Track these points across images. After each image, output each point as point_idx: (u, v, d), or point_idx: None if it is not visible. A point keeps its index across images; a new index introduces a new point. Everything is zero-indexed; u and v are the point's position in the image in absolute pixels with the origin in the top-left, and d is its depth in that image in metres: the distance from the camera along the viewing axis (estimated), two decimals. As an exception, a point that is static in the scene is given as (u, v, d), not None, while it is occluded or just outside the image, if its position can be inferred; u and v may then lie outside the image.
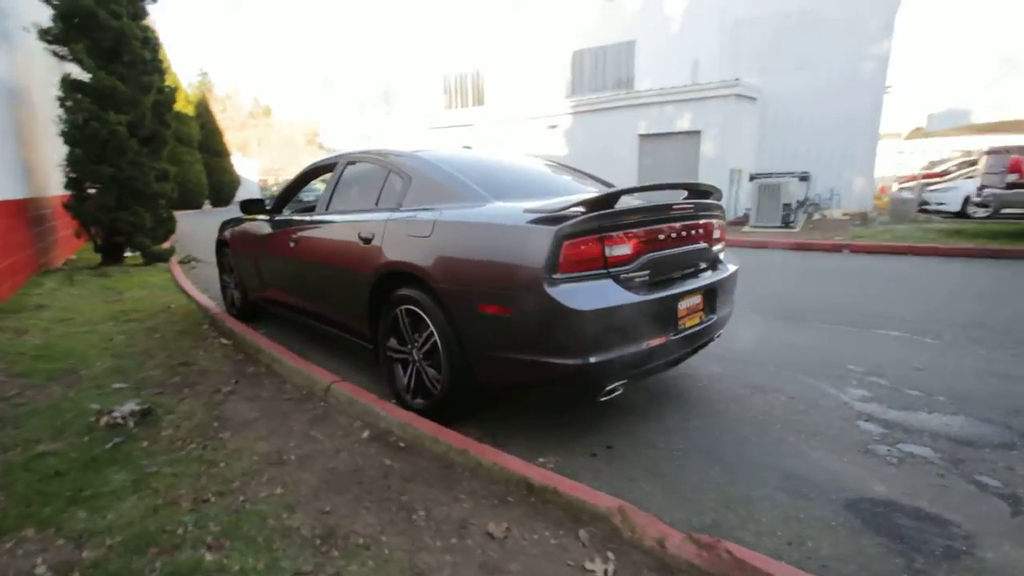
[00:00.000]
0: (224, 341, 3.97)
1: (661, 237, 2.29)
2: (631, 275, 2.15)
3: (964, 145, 17.09)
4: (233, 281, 4.59)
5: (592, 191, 2.66)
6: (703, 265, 2.62)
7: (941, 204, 12.50)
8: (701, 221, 2.55)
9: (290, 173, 33.25)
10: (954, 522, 1.78)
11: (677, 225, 2.39)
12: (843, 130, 13.96)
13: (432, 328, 2.39)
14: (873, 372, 3.16)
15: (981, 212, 10.31)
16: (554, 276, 1.98)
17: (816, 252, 8.53)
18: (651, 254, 2.24)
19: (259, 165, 36.55)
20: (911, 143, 18.77)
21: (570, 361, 2.01)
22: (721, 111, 12.74)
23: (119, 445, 2.29)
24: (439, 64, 21.32)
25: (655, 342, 2.19)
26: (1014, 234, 8.58)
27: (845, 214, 13.03)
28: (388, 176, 2.90)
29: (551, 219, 2.03)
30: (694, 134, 12.98)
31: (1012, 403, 2.70)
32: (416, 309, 2.47)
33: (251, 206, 3.99)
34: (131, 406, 2.61)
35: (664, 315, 2.23)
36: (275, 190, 24.13)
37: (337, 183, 3.31)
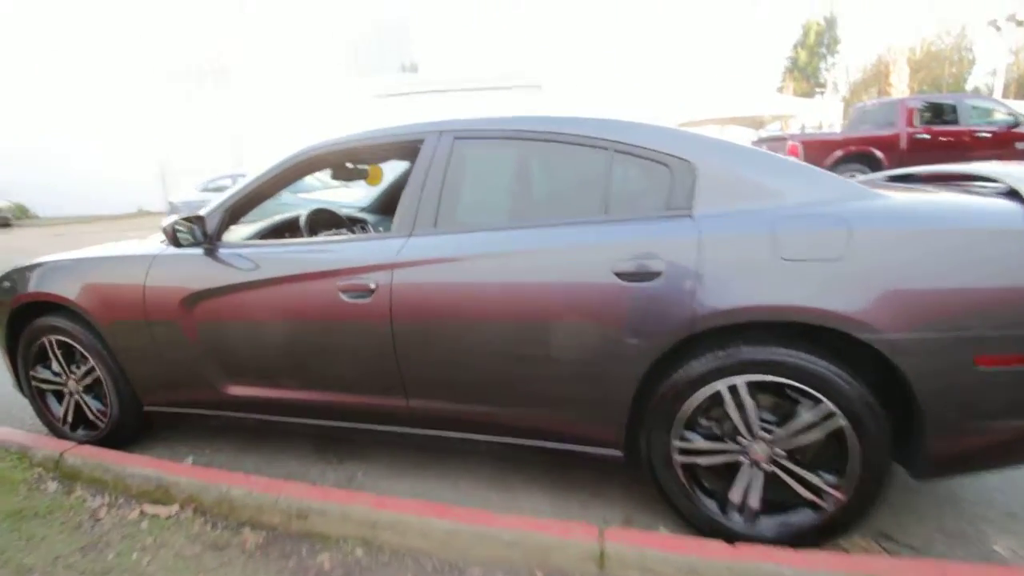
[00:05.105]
0: (170, 510, 1.92)
1: None
2: None
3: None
4: (76, 381, 2.36)
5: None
6: None
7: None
8: None
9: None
10: None
11: None
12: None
13: (834, 409, 1.46)
14: None
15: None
16: None
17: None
18: None
19: None
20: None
21: None
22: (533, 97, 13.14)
23: None
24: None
25: None
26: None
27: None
28: (612, 164, 1.69)
29: None
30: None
31: None
32: (797, 384, 1.48)
33: (188, 228, 1.98)
34: None
35: None
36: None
37: (443, 179, 1.84)
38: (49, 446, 2.34)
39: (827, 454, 1.55)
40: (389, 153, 2.17)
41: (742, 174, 1.60)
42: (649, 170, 1.66)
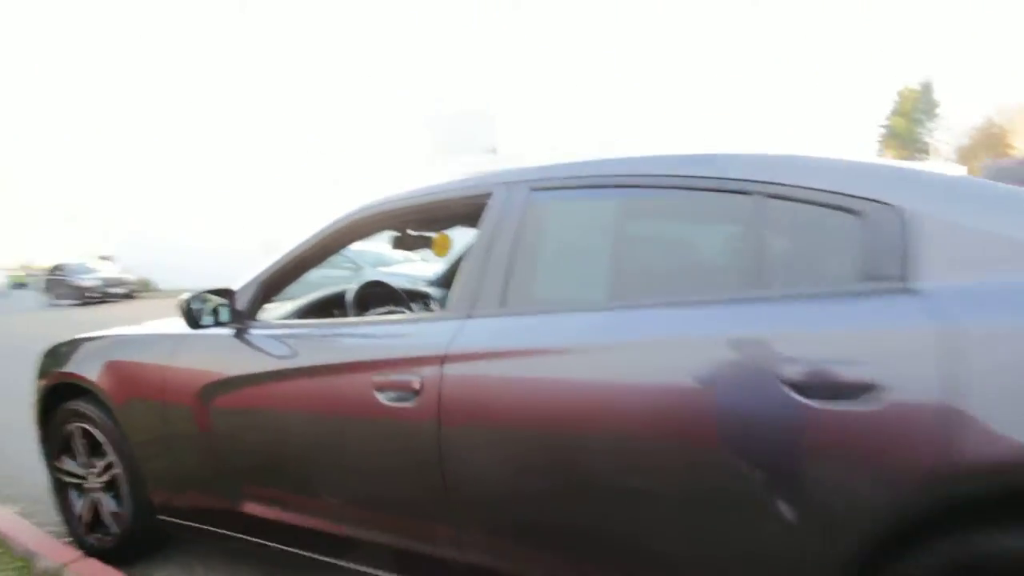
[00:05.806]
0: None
1: None
2: None
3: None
4: (96, 476, 2.05)
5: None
6: None
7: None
8: None
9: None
10: None
11: None
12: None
13: None
14: None
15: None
16: None
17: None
18: None
19: None
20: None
21: None
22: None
23: None
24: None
25: None
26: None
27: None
28: (762, 215, 1.15)
29: None
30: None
31: None
32: None
33: (214, 304, 1.65)
34: None
35: None
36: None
37: (515, 242, 1.38)
38: (54, 554, 2.01)
39: None
40: (448, 213, 1.74)
41: (990, 224, 0.99)
42: (824, 221, 1.09)
